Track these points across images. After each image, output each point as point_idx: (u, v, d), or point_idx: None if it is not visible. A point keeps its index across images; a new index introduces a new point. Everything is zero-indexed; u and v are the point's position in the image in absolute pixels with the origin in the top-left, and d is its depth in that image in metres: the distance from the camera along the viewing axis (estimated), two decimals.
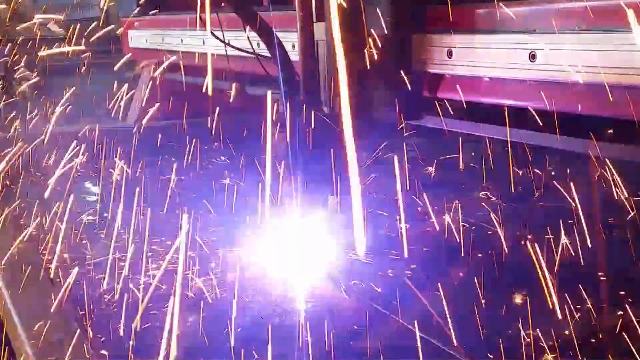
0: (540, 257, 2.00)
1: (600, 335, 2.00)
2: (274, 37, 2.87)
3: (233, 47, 3.17)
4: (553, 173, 3.49)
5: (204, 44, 4.45)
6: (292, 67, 2.80)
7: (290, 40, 2.85)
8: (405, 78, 2.54)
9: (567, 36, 1.95)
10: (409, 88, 2.55)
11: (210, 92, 2.37)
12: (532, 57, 2.04)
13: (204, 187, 3.63)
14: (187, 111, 5.84)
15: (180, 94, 5.71)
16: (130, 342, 2.02)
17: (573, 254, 2.29)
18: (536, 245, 2.04)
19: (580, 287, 2.13)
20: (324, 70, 2.75)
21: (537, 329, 1.99)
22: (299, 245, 2.64)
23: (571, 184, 2.29)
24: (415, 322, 1.95)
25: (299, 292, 2.33)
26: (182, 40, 4.97)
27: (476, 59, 2.28)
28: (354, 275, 2.47)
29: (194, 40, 4.68)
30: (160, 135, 4.48)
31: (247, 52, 3.09)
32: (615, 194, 2.28)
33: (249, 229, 2.79)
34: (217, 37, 3.17)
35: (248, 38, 3.00)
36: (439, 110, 2.68)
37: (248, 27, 2.92)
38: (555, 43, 2.01)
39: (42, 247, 2.85)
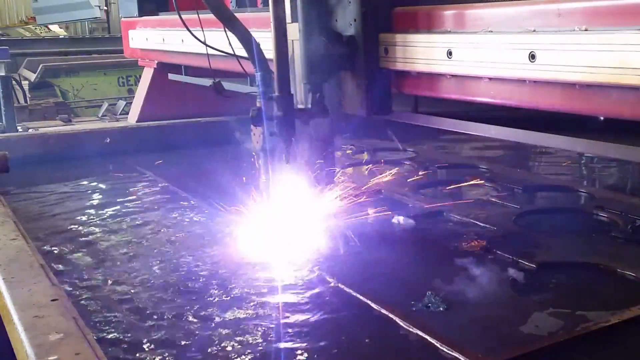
0: None
1: None
2: (250, 37, 2.95)
3: (212, 47, 3.25)
4: None
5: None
6: (268, 65, 2.88)
7: (268, 40, 2.90)
8: (373, 75, 2.59)
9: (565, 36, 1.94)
10: (378, 85, 2.61)
11: None
12: (532, 57, 2.03)
13: None
14: (187, 110, 5.93)
15: (180, 94, 5.80)
16: None
17: None
18: None
19: None
20: (298, 69, 2.81)
21: None
22: None
23: None
24: None
25: None
26: (182, 40, 5.02)
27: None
28: None
29: (194, 40, 4.73)
30: None
31: (225, 52, 3.16)
32: None
33: None
34: (196, 38, 3.26)
35: (227, 37, 3.07)
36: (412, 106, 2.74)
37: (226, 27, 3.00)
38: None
39: None
